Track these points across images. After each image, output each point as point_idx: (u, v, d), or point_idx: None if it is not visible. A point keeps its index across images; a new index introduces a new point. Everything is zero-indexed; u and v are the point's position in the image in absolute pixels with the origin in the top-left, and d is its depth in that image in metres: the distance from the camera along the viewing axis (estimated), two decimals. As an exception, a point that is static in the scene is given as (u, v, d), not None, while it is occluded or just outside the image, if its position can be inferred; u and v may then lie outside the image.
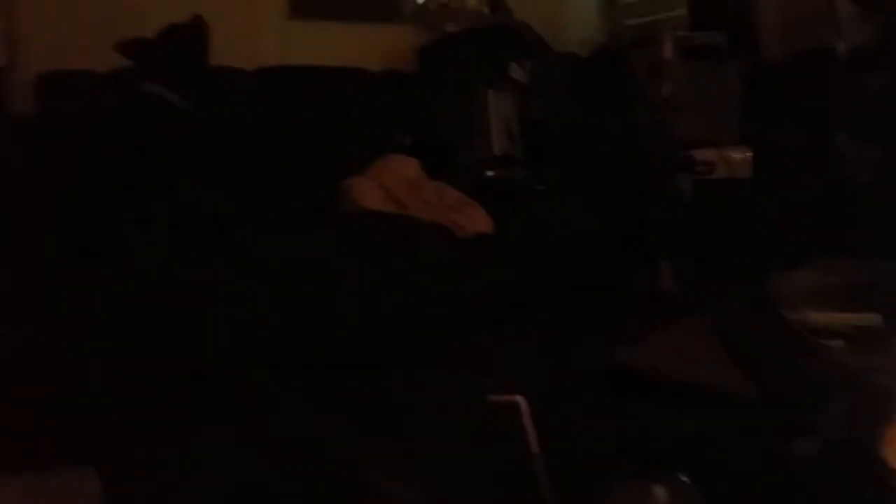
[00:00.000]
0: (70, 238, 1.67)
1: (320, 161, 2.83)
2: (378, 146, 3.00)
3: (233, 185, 2.47)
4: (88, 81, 2.37)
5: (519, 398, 1.27)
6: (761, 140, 3.16)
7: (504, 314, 2.56)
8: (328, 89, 3.02)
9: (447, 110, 3.25)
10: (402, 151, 2.99)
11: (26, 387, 1.20)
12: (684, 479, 1.10)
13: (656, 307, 2.63)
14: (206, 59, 2.12)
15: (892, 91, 2.88)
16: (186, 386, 1.46)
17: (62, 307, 1.42)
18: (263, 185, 2.67)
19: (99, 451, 1.22)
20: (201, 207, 2.02)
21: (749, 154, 3.11)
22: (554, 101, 3.47)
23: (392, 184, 2.74)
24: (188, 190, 1.97)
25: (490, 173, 3.05)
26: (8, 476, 1.08)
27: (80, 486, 1.09)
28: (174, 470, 1.26)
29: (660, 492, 1.09)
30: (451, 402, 1.79)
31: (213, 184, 2.19)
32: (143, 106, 1.92)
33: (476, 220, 2.62)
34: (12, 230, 1.57)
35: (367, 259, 2.26)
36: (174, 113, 1.93)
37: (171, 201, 1.87)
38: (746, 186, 3.07)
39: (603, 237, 2.97)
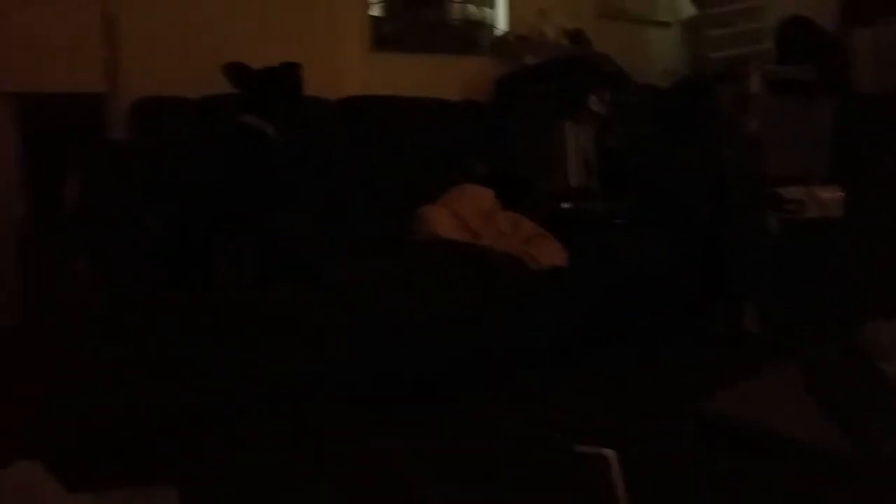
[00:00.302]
0: (163, 263, 1.73)
1: (397, 188, 2.86)
2: (454, 175, 3.01)
3: (313, 211, 2.53)
4: (183, 108, 2.48)
5: (608, 451, 1.22)
6: (853, 178, 3.02)
7: (578, 349, 2.50)
8: (406, 118, 3.07)
9: (524, 141, 3.25)
10: (477, 181, 2.99)
11: (113, 405, 1.24)
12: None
13: (740, 350, 2.52)
14: (301, 95, 2.20)
15: None
16: (265, 409, 1.48)
17: (151, 329, 1.46)
18: (341, 212, 2.72)
19: (179, 471, 1.24)
20: (288, 235, 2.08)
21: (840, 193, 2.98)
22: (633, 132, 3.42)
23: (466, 213, 2.74)
24: (277, 218, 2.03)
25: (566, 205, 3.01)
26: (92, 494, 1.11)
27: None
28: (251, 491, 1.27)
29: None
30: (533, 447, 1.73)
31: (297, 211, 2.24)
32: (240, 136, 2.00)
33: (551, 253, 2.59)
34: (108, 254, 1.64)
35: (440, 288, 2.26)
36: (269, 144, 2.01)
37: (260, 229, 1.93)
38: (837, 226, 2.93)
39: (682, 274, 2.88)
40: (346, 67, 3.21)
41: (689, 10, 4.29)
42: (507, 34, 3.70)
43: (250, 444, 1.36)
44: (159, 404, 1.34)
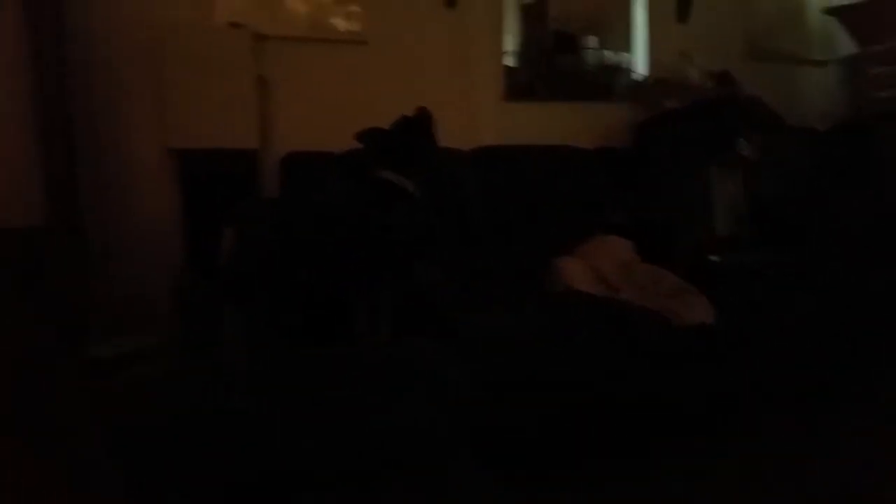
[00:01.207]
0: (303, 315, 1.78)
1: (531, 239, 2.81)
2: (590, 225, 2.92)
3: (449, 263, 2.53)
4: (328, 162, 2.58)
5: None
6: None
7: (727, 416, 2.30)
8: (540, 167, 3.03)
9: (666, 188, 3.10)
10: (615, 231, 2.88)
11: (244, 460, 1.26)
12: None
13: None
14: (435, 148, 2.23)
15: None
16: (397, 466, 1.45)
17: (291, 382, 1.49)
18: (476, 263, 2.70)
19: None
20: (425, 288, 2.09)
21: None
22: (788, 178, 3.19)
23: (604, 265, 2.64)
24: (415, 271, 2.05)
25: (713, 257, 2.82)
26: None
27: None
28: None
29: None
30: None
31: (434, 263, 2.25)
32: (379, 191, 2.05)
33: (697, 309, 2.41)
34: (257, 305, 1.71)
35: (575, 344, 2.16)
36: (407, 199, 2.04)
37: (399, 283, 1.95)
38: None
39: (847, 333, 2.59)
40: (481, 117, 3.23)
41: (848, 47, 3.98)
42: (645, 78, 3.59)
43: (381, 501, 1.33)
44: (299, 459, 1.35)
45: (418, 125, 2.19)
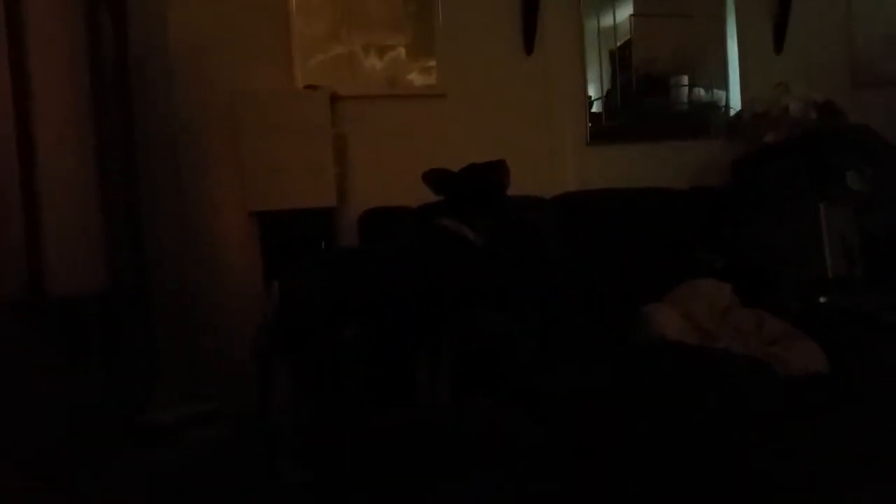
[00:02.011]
0: (364, 377, 1.73)
1: (618, 286, 2.67)
2: (684, 270, 2.74)
3: (528, 312, 2.43)
4: (405, 217, 2.57)
5: None
6: None
7: (847, 476, 2.04)
8: (627, 210, 2.89)
9: (768, 227, 2.88)
10: (711, 275, 2.69)
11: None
12: None
13: None
14: (503, 195, 2.15)
15: None
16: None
17: (347, 453, 1.43)
18: (559, 312, 2.58)
19: None
20: (494, 341, 1.99)
21: None
22: (907, 211, 2.88)
23: (699, 311, 2.46)
24: (478, 320, 1.96)
25: (823, 300, 2.56)
26: None
27: None
28: None
29: None
30: None
31: (508, 311, 2.16)
32: (438, 239, 1.98)
33: (806, 356, 2.19)
34: (305, 366, 1.67)
35: (669, 399, 1.99)
36: (467, 248, 1.97)
37: (460, 334, 1.87)
38: None
39: None
40: (563, 162, 3.15)
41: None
42: (741, 113, 3.40)
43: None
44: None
45: (487, 171, 2.13)
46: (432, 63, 2.94)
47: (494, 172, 2.13)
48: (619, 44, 3.29)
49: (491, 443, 1.54)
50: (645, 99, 3.34)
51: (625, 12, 3.27)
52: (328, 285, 1.78)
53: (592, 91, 3.26)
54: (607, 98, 3.28)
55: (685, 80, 3.42)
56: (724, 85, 3.47)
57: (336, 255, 2.26)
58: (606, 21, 3.25)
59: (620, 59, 3.29)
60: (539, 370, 2.00)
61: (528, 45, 3.10)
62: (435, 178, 2.12)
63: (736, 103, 3.46)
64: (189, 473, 1.28)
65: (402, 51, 2.90)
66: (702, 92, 3.45)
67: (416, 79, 2.94)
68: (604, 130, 3.25)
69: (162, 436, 1.78)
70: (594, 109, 3.26)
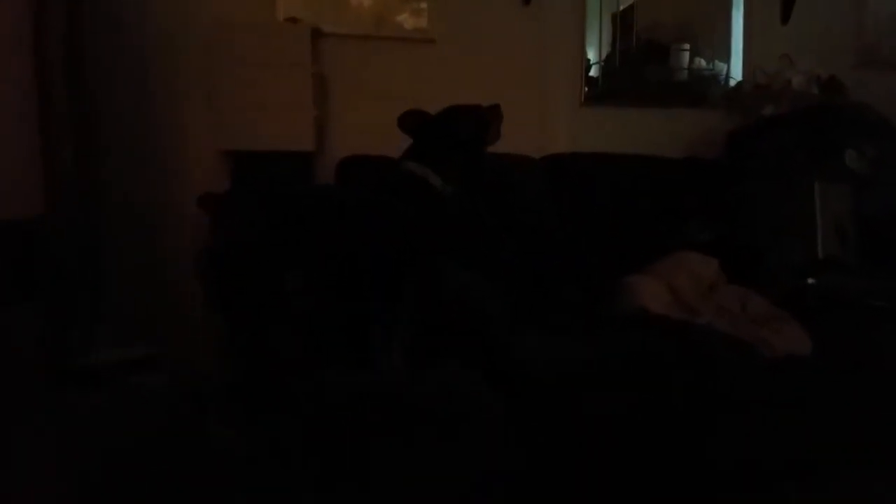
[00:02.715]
0: (313, 332, 1.59)
1: (602, 254, 2.57)
2: (672, 242, 2.65)
3: (502, 274, 2.32)
4: (379, 165, 2.43)
5: None
6: None
7: (830, 460, 1.98)
8: (617, 177, 2.78)
9: (760, 203, 2.78)
10: (699, 248, 2.59)
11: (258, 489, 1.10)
12: None
13: None
14: (481, 146, 1.98)
15: None
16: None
17: (282, 413, 1.30)
18: (539, 277, 2.47)
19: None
20: (455, 296, 1.85)
21: None
22: (903, 195, 2.80)
23: (683, 285, 2.36)
24: (440, 276, 1.80)
25: (811, 281, 2.48)
26: None
27: None
28: None
29: None
30: None
31: (478, 270, 2.02)
32: (400, 184, 1.82)
33: (790, 338, 2.10)
34: (240, 313, 1.54)
35: (647, 374, 1.90)
36: (432, 195, 1.81)
37: (418, 290, 1.72)
38: None
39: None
40: (556, 123, 3.03)
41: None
42: (741, 84, 3.28)
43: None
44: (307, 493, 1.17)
45: (465, 116, 1.95)
46: (424, 5, 2.77)
47: (474, 119, 1.95)
48: (621, 7, 3.14)
49: (446, 412, 1.42)
50: (645, 65, 3.21)
51: (629, -24, 3.12)
52: (267, 224, 1.62)
53: (592, 55, 3.12)
54: (606, 62, 3.14)
55: (687, 47, 3.29)
56: (727, 55, 3.34)
57: (276, 192, 2.04)
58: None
59: (622, 23, 3.16)
60: (510, 337, 1.88)
61: (526, -7, 2.94)
62: (410, 120, 1.94)
63: (737, 74, 3.34)
64: (116, 423, 1.17)
65: (392, -12, 2.73)
66: (703, 61, 3.32)
67: (406, 20, 2.77)
68: (600, 94, 3.13)
69: (97, 380, 1.66)
70: (592, 74, 3.13)
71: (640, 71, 3.19)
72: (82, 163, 2.03)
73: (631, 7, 3.16)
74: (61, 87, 1.97)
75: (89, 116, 2.13)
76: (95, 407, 1.28)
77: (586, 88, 3.11)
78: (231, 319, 1.54)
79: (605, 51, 3.16)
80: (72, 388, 1.51)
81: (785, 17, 3.42)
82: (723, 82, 3.33)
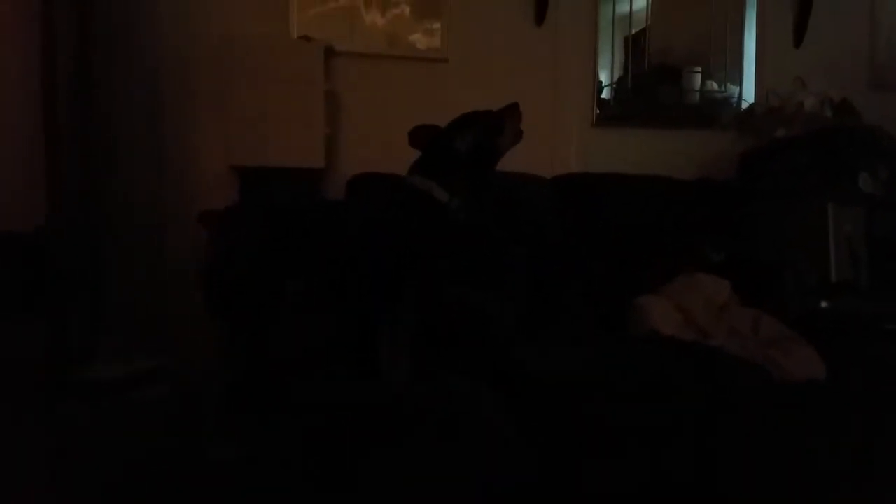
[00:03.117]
0: (303, 338, 1.58)
1: (612, 275, 2.55)
2: (683, 262, 2.62)
3: (516, 294, 2.31)
4: (389, 182, 2.43)
5: None
6: None
7: (849, 488, 1.94)
8: (629, 198, 2.77)
9: (773, 224, 2.76)
10: (711, 270, 2.57)
11: None
12: None
13: None
14: (495, 152, 1.95)
15: None
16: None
17: (276, 429, 1.29)
18: (549, 297, 2.46)
19: None
20: (459, 309, 1.83)
21: None
22: (917, 218, 2.77)
23: (695, 307, 2.34)
24: (444, 290, 1.78)
25: (825, 304, 2.45)
26: None
27: None
28: None
29: None
30: None
31: (485, 285, 2.01)
32: (406, 199, 1.80)
33: (803, 361, 2.07)
34: (240, 321, 1.52)
35: (657, 394, 1.87)
36: (437, 209, 1.78)
37: (422, 303, 1.70)
38: None
39: None
40: (568, 143, 3.03)
41: None
42: (753, 106, 3.27)
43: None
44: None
45: (475, 125, 1.92)
46: (437, 25, 2.79)
47: (481, 127, 1.91)
48: (633, 31, 3.16)
49: (447, 417, 1.40)
50: (657, 88, 3.21)
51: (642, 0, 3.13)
52: (269, 234, 1.61)
53: (604, 78, 3.14)
54: (618, 84, 3.15)
55: (699, 70, 3.29)
56: (739, 77, 3.34)
57: (280, 206, 2.01)
58: (622, 8, 3.11)
59: (634, 46, 3.17)
60: (517, 350, 1.86)
61: (539, 16, 2.96)
62: (422, 135, 1.92)
63: (749, 96, 3.34)
64: (114, 435, 1.16)
65: (406, 9, 2.75)
66: (715, 84, 3.33)
67: (419, 40, 2.79)
68: (611, 115, 3.13)
69: (100, 393, 1.65)
70: (604, 96, 3.14)
71: (653, 93, 3.20)
72: (87, 176, 2.04)
73: (643, 30, 3.18)
74: (68, 102, 1.98)
75: (97, 131, 2.14)
76: (93, 419, 1.27)
77: (598, 110, 3.12)
78: (230, 323, 1.53)
79: (618, 73, 3.17)
80: (71, 400, 1.50)
81: (797, 40, 3.42)
82: (735, 105, 3.33)
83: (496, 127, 1.93)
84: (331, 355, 1.60)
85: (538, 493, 1.63)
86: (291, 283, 1.59)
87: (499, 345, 1.76)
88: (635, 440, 1.80)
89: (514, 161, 2.50)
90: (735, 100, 3.32)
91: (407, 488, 1.24)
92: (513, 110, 1.96)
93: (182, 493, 1.08)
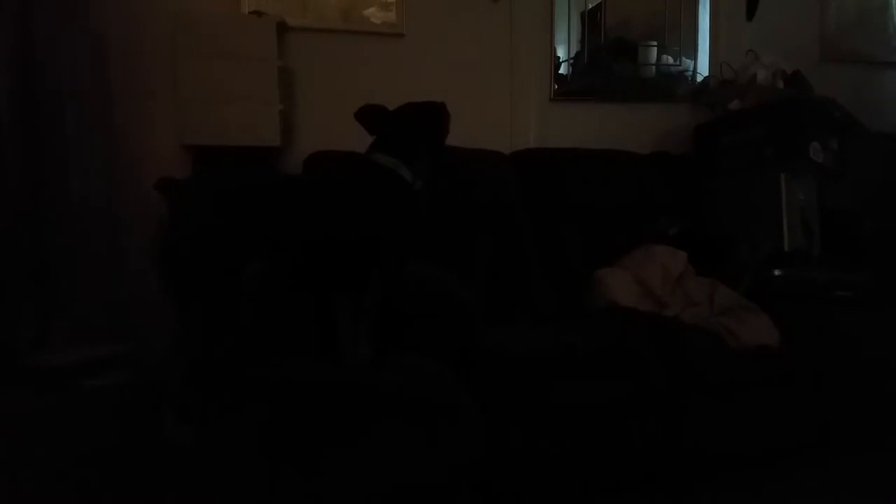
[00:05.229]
0: (273, 318, 1.56)
1: (572, 249, 2.57)
2: (642, 236, 2.66)
3: (476, 270, 2.31)
4: (347, 160, 2.39)
5: None
6: None
7: (793, 454, 2.00)
8: (585, 172, 2.78)
9: (726, 196, 2.81)
10: (667, 242, 2.61)
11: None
12: None
13: None
14: (442, 143, 1.95)
15: None
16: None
17: (244, 406, 1.27)
18: (508, 272, 2.47)
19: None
20: (424, 289, 1.82)
21: None
22: (865, 188, 2.85)
23: (652, 278, 2.37)
24: (409, 269, 1.77)
25: (778, 272, 2.50)
26: None
27: None
28: None
29: None
30: None
31: (456, 270, 2.01)
32: (373, 176, 1.78)
33: (757, 329, 2.12)
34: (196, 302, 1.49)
35: (616, 365, 1.90)
36: (402, 188, 1.77)
37: (386, 283, 1.69)
38: None
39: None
40: (525, 118, 3.02)
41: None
42: (708, 79, 3.31)
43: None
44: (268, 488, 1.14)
45: (424, 113, 1.92)
46: (392, -1, 2.74)
47: (434, 114, 1.91)
48: (590, 6, 3.16)
49: (411, 401, 1.39)
50: (613, 63, 3.22)
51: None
52: (227, 210, 1.57)
53: (561, 53, 3.14)
54: (575, 59, 3.15)
55: (654, 44, 3.31)
56: (694, 51, 3.37)
57: (243, 180, 1.90)
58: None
59: (591, 22, 3.17)
60: (479, 330, 1.86)
61: (495, -10, 2.93)
62: (369, 114, 1.90)
63: (704, 70, 3.37)
64: (68, 426, 1.13)
65: (360, -18, 2.70)
66: (670, 58, 3.35)
67: (374, 15, 2.74)
68: (569, 90, 3.13)
69: (52, 381, 1.60)
70: (561, 71, 3.14)
71: (609, 68, 3.20)
72: (35, 159, 1.97)
73: (599, 5, 3.17)
74: (11, 75, 1.90)
75: (44, 107, 2.06)
76: (43, 409, 1.23)
77: (556, 85, 3.11)
78: (186, 306, 1.50)
79: (574, 48, 3.17)
80: (19, 389, 1.46)
81: (750, 14, 3.46)
82: (690, 78, 3.35)
83: (443, 117, 1.92)
84: (290, 336, 1.58)
85: (502, 474, 1.64)
86: (250, 263, 1.56)
87: (464, 325, 1.76)
88: (599, 412, 1.83)
89: (472, 136, 2.51)
90: (690, 73, 3.35)
91: (370, 472, 1.24)
92: (444, 109, 1.95)
93: (137, 477, 1.06)
